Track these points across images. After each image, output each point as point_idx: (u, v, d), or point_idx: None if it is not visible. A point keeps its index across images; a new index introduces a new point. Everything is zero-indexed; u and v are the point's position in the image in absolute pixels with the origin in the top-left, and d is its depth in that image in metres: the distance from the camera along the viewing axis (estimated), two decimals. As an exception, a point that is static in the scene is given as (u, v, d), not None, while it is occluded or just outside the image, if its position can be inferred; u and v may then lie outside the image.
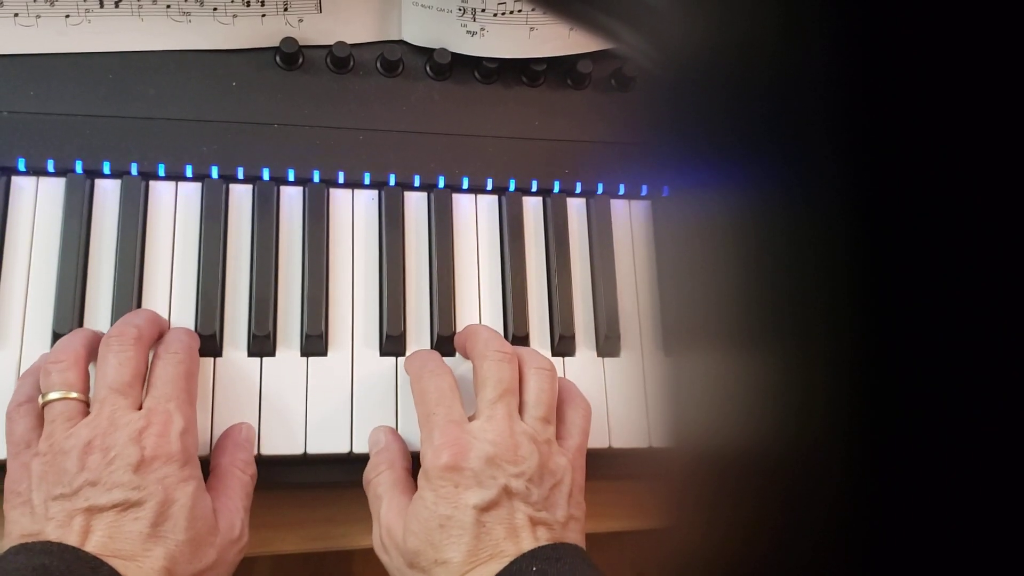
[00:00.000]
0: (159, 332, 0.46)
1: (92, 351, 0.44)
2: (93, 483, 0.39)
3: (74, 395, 0.41)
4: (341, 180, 0.53)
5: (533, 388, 0.46)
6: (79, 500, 0.38)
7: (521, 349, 0.48)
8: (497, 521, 0.41)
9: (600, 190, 0.57)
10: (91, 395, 0.42)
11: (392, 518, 0.43)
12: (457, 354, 0.51)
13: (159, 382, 0.42)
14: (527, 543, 0.41)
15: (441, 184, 0.54)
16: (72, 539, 0.37)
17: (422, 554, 0.41)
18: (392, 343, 0.50)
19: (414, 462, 0.46)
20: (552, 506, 0.43)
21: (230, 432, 0.46)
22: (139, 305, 0.48)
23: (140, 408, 0.42)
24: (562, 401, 0.48)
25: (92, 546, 0.37)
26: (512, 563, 0.39)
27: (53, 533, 0.38)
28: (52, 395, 0.41)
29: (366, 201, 0.53)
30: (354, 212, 0.53)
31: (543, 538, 0.41)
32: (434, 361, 0.47)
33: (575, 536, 0.43)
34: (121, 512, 0.38)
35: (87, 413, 0.41)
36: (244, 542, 0.43)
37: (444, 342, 0.51)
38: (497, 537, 0.41)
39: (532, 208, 0.56)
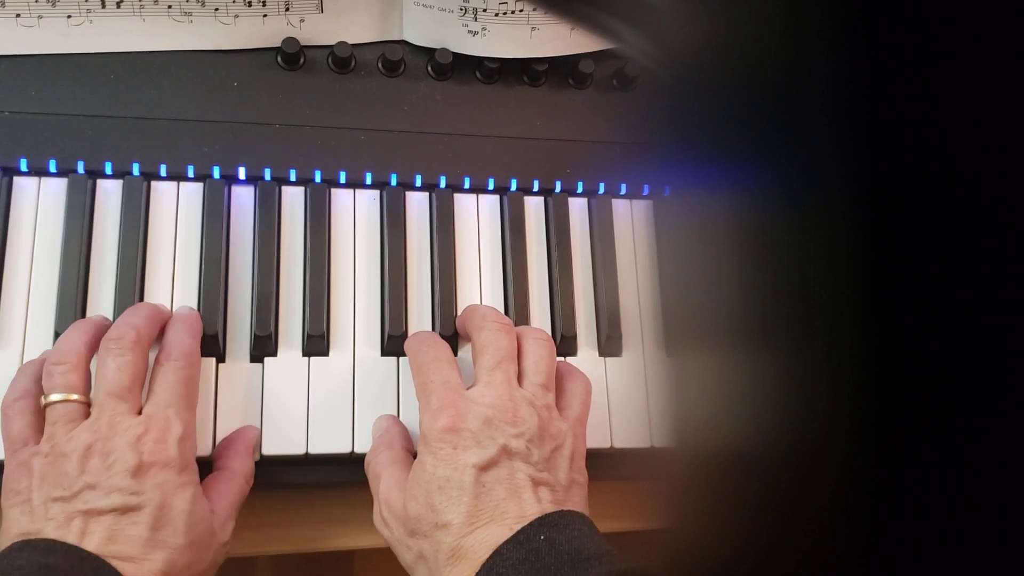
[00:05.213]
0: (160, 327, 0.46)
1: (94, 347, 0.44)
2: (92, 486, 0.39)
3: (75, 397, 0.42)
4: (343, 180, 0.53)
5: (532, 356, 0.46)
6: (78, 503, 0.39)
7: (519, 326, 0.49)
8: (497, 481, 0.41)
9: (602, 190, 0.57)
10: (92, 395, 0.42)
11: (391, 491, 0.43)
12: (459, 353, 0.51)
13: (159, 389, 0.43)
14: (530, 504, 0.40)
15: (443, 184, 0.54)
16: (71, 540, 0.37)
17: (423, 519, 0.41)
18: (394, 343, 0.50)
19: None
20: (554, 468, 0.43)
21: (237, 435, 0.46)
22: (141, 305, 0.48)
23: (140, 412, 0.42)
24: (562, 376, 0.48)
25: (90, 547, 0.38)
26: (520, 531, 0.39)
27: (52, 533, 0.38)
28: (54, 397, 0.42)
29: (368, 201, 0.53)
30: (356, 212, 0.53)
31: (546, 499, 0.41)
32: (432, 337, 0.48)
33: (579, 501, 0.43)
34: (119, 516, 0.39)
35: (88, 414, 0.41)
36: (230, 544, 0.44)
37: (447, 341, 0.51)
38: (497, 498, 0.40)
39: (534, 208, 0.56)
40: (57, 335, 0.46)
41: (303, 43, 0.53)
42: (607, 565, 0.37)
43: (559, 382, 0.47)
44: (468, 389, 0.44)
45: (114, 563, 0.37)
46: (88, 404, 0.42)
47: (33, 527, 0.39)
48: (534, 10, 0.54)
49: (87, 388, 0.43)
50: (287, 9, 0.53)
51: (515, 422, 0.42)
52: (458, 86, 0.57)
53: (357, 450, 0.48)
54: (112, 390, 0.41)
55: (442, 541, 0.40)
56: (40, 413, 0.42)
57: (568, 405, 0.46)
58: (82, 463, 0.39)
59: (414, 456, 0.44)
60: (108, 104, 0.51)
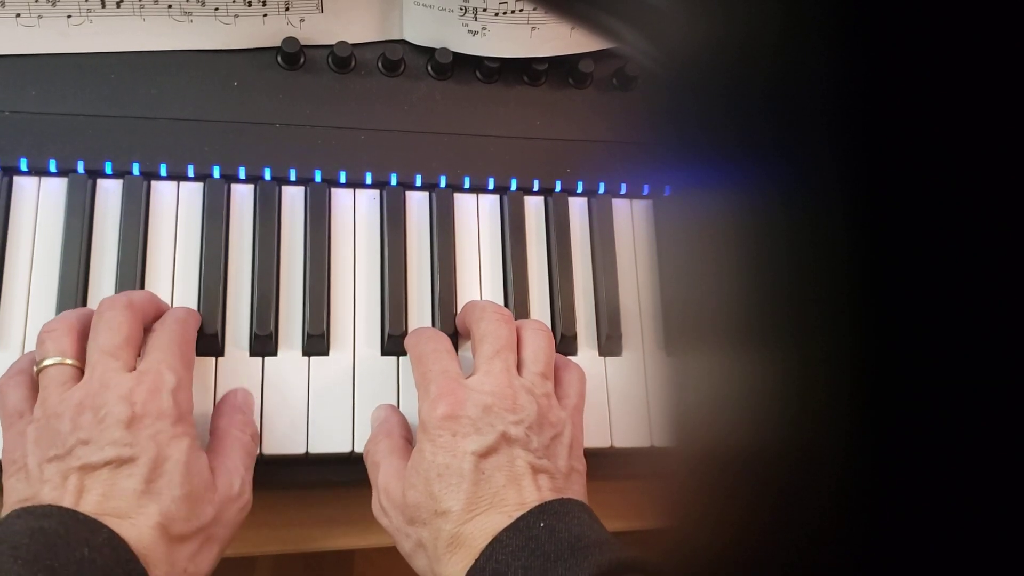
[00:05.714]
0: (155, 310, 0.46)
1: (87, 325, 0.43)
2: (85, 442, 0.38)
3: (68, 361, 0.41)
4: (343, 180, 0.53)
5: (531, 346, 0.46)
6: (72, 460, 0.38)
7: (517, 319, 0.49)
8: (496, 468, 0.40)
9: (602, 189, 0.57)
10: (86, 360, 0.42)
11: (390, 480, 0.43)
12: (459, 351, 0.51)
13: (152, 348, 0.42)
14: (530, 491, 0.40)
15: (443, 184, 0.54)
16: (67, 500, 0.37)
17: (422, 507, 0.41)
18: (394, 343, 0.50)
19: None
20: (553, 455, 0.43)
21: (227, 397, 0.46)
22: (141, 305, 0.48)
23: (133, 371, 0.41)
24: (558, 368, 0.48)
25: (87, 506, 0.37)
26: (520, 519, 0.39)
27: (48, 495, 0.37)
28: (47, 361, 0.41)
29: (368, 201, 0.53)
30: (356, 212, 0.53)
31: (546, 487, 0.41)
32: (431, 330, 0.48)
33: (578, 489, 0.43)
34: (114, 469, 0.38)
35: (81, 379, 0.41)
36: (245, 500, 0.43)
37: (446, 342, 0.51)
38: (497, 485, 0.40)
39: (534, 207, 0.56)
40: (57, 335, 0.46)
41: (303, 43, 0.54)
42: (607, 553, 0.37)
43: (556, 374, 0.48)
44: (467, 378, 0.44)
45: (111, 522, 0.37)
46: (82, 369, 0.42)
47: (30, 492, 0.38)
48: (534, 10, 0.54)
49: (80, 355, 0.42)
50: (287, 9, 0.53)
51: (514, 409, 0.42)
52: (458, 86, 0.57)
53: (357, 450, 0.48)
54: (104, 348, 0.41)
55: (441, 528, 0.40)
56: (36, 387, 0.42)
57: (566, 395, 0.47)
58: (74, 420, 0.39)
59: (413, 446, 0.45)
60: (108, 104, 0.51)
